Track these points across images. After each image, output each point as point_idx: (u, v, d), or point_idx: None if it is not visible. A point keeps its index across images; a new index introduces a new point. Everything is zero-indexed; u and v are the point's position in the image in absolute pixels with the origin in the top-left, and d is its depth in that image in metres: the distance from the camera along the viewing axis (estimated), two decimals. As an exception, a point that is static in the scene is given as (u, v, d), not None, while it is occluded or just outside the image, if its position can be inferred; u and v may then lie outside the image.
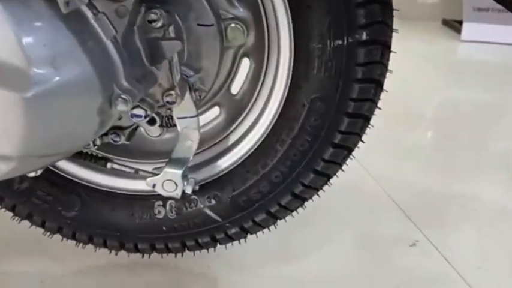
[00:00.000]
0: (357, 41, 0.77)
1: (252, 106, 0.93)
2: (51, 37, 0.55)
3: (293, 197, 0.90)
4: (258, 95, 0.92)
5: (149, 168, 0.94)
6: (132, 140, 0.92)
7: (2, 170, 0.58)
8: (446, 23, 3.70)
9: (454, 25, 3.54)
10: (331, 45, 0.78)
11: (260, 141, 0.89)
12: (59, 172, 0.94)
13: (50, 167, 0.92)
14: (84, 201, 0.94)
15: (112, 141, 0.83)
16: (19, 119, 0.53)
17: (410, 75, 2.46)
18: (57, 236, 0.99)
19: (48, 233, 1.00)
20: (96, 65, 0.60)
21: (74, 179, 0.94)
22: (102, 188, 0.95)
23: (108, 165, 0.90)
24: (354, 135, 0.86)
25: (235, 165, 0.91)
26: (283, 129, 0.86)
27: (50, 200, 0.94)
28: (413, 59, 2.83)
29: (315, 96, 0.82)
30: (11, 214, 0.98)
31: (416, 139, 1.87)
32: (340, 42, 0.77)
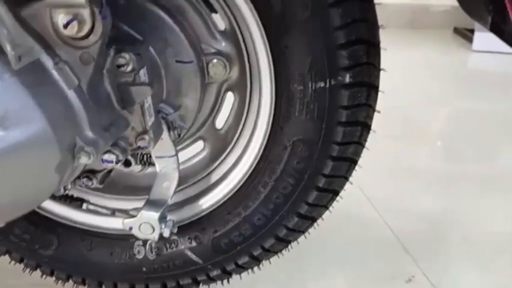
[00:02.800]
0: (340, 84, 0.73)
1: (236, 143, 0.90)
2: (1, 95, 0.52)
3: (277, 240, 0.86)
4: (241, 131, 0.89)
5: (131, 204, 0.91)
6: (113, 175, 0.89)
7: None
8: (457, 31, 3.62)
9: (466, 34, 3.45)
10: (313, 87, 0.74)
11: (242, 182, 0.86)
12: (36, 210, 0.91)
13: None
14: (62, 240, 0.92)
15: (84, 186, 0.80)
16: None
17: (419, 86, 2.40)
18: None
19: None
20: (54, 120, 0.57)
21: (51, 216, 0.91)
22: (79, 226, 0.92)
23: (84, 205, 0.86)
24: (340, 178, 0.82)
25: (216, 206, 0.88)
26: (266, 171, 0.83)
27: (27, 239, 0.91)
28: (423, 68, 2.76)
29: (297, 139, 0.78)
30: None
31: (420, 158, 1.81)
32: (322, 84, 0.73)
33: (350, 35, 0.70)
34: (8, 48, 0.52)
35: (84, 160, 0.62)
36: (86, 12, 0.59)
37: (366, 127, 0.79)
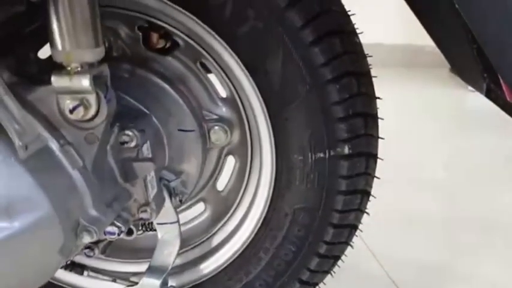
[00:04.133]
0: (340, 155, 0.74)
1: (238, 206, 0.90)
2: (6, 184, 0.53)
3: (279, 305, 0.86)
4: (243, 194, 0.89)
5: (133, 268, 0.91)
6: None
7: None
8: (454, 70, 3.67)
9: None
10: (313, 157, 0.75)
11: (243, 247, 0.86)
12: (38, 274, 0.91)
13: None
14: (64, 305, 0.91)
15: (86, 256, 0.80)
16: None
17: (416, 126, 2.40)
18: None
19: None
20: (59, 203, 0.58)
21: (54, 282, 0.91)
22: (82, 291, 0.91)
23: (85, 273, 0.86)
24: (341, 244, 0.82)
25: (217, 271, 0.88)
26: (267, 237, 0.83)
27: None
28: (419, 108, 2.78)
29: (298, 207, 0.79)
30: None
31: (421, 207, 1.80)
32: (321, 155, 0.75)
33: (348, 109, 0.72)
34: (15, 138, 0.54)
35: (86, 239, 0.62)
36: (91, 97, 0.61)
37: (366, 194, 0.80)
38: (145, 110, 0.78)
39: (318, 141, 0.74)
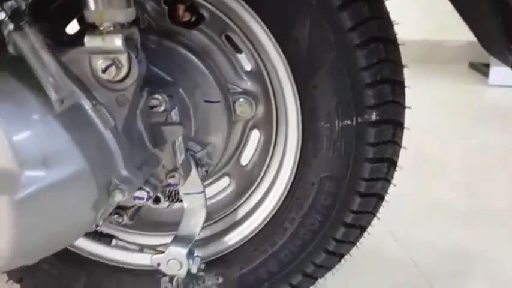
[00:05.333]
0: (367, 121, 0.74)
1: (262, 179, 0.91)
2: (43, 136, 0.54)
3: (304, 277, 0.86)
4: (267, 167, 0.90)
5: (158, 240, 0.92)
6: (141, 211, 0.90)
7: (-5, 267, 0.57)
8: (473, 66, 3.62)
9: (481, 69, 3.45)
10: (340, 125, 0.75)
11: (269, 218, 0.86)
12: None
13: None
14: (90, 276, 0.92)
15: (115, 222, 0.81)
16: (9, 222, 0.52)
17: (435, 122, 2.39)
18: None
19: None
20: (92, 159, 0.59)
21: (80, 252, 0.92)
22: (107, 263, 0.93)
23: (113, 242, 0.88)
24: (367, 213, 0.82)
25: (242, 242, 0.88)
26: (293, 207, 0.83)
27: (56, 275, 0.92)
28: (438, 104, 2.76)
29: (325, 175, 0.79)
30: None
31: (441, 194, 1.79)
32: (349, 122, 0.75)
33: (375, 75, 0.72)
34: (51, 93, 0.55)
35: (118, 198, 0.63)
36: (123, 57, 0.62)
37: (393, 164, 0.80)
38: (172, 81, 0.79)
39: (345, 108, 0.74)
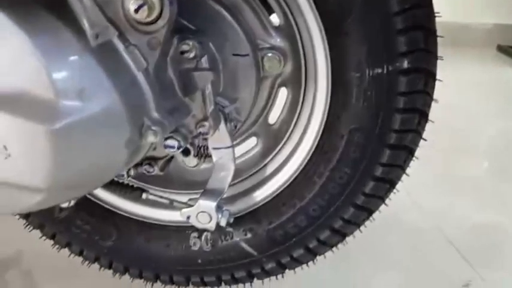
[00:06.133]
0: (398, 70, 0.73)
1: (289, 136, 0.90)
2: (79, 69, 0.55)
3: (332, 232, 0.86)
4: (295, 125, 0.90)
5: (185, 198, 0.93)
6: (170, 170, 0.91)
7: (31, 202, 0.58)
8: (501, 49, 3.54)
9: (510, 51, 3.38)
10: (370, 73, 0.74)
11: (297, 173, 0.86)
12: (97, 202, 0.94)
13: (88, 197, 0.93)
14: (121, 231, 0.94)
15: (146, 172, 0.82)
16: (47, 151, 0.53)
17: (463, 104, 2.35)
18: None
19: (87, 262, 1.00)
20: (126, 97, 0.60)
21: (111, 208, 0.94)
22: (138, 218, 0.94)
23: (144, 195, 0.89)
24: (397, 167, 0.81)
25: (271, 198, 0.88)
26: (321, 161, 0.83)
27: (88, 230, 0.94)
28: (466, 87, 2.71)
29: (354, 127, 0.78)
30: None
31: (469, 172, 1.76)
32: (379, 70, 0.74)
33: (408, 21, 0.71)
34: (87, 26, 0.56)
35: (151, 139, 0.64)
36: (155, -2, 0.62)
37: (424, 115, 0.78)
38: (201, 32, 0.80)
39: (376, 56, 0.73)
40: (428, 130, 0.81)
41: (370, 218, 0.87)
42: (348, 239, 0.89)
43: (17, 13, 0.52)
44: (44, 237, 0.99)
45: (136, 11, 0.62)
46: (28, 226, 0.98)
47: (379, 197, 0.83)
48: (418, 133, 0.79)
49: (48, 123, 0.52)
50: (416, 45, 0.72)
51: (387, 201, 0.85)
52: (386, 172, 0.80)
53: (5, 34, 0.52)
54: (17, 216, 0.97)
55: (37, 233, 0.99)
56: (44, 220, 0.96)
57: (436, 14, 0.76)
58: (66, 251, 0.99)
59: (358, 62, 0.75)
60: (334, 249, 0.91)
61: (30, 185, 0.56)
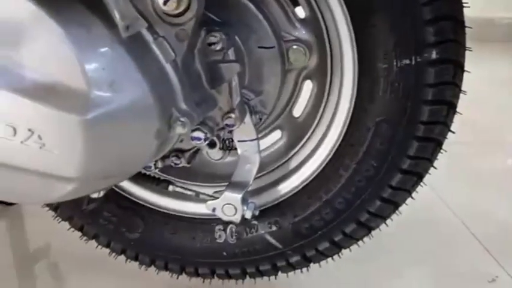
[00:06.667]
0: (427, 60, 0.72)
1: (315, 129, 0.90)
2: (110, 61, 0.56)
3: (358, 226, 0.85)
4: (320, 117, 0.89)
5: (210, 191, 0.94)
6: (195, 163, 0.92)
7: (63, 191, 0.59)
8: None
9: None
10: (398, 64, 0.74)
11: (323, 166, 0.86)
12: (124, 194, 0.96)
13: (116, 189, 0.94)
14: (147, 224, 0.95)
15: (173, 164, 0.83)
16: (78, 141, 0.54)
17: (487, 100, 2.31)
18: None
19: (114, 254, 1.01)
20: (155, 89, 0.61)
21: (138, 201, 0.96)
22: (164, 211, 0.95)
23: (170, 187, 0.90)
24: (425, 160, 0.80)
25: (296, 191, 0.88)
26: (347, 154, 0.83)
27: (115, 222, 0.96)
28: (490, 82, 2.66)
29: (381, 119, 0.78)
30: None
31: (495, 166, 1.73)
32: (407, 61, 0.73)
33: (437, 11, 0.70)
34: (118, 18, 0.57)
35: (179, 130, 0.65)
36: (183, -11, 0.63)
37: (452, 107, 0.77)
38: (227, 25, 0.80)
39: (404, 47, 0.72)
40: (456, 122, 0.80)
41: (396, 212, 0.87)
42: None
43: (51, 5, 0.53)
44: (71, 229, 1.01)
45: (165, 2, 0.62)
46: (57, 218, 1.00)
47: (406, 190, 0.83)
48: (446, 125, 0.78)
49: (81, 113, 0.53)
50: (445, 35, 0.71)
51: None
52: (413, 165, 0.79)
53: (40, 26, 0.53)
54: (46, 208, 0.99)
55: (65, 225, 1.01)
56: (72, 212, 0.98)
57: (464, 4, 0.74)
58: (93, 242, 1.01)
59: (386, 53, 0.74)
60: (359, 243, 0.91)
61: (63, 175, 0.57)
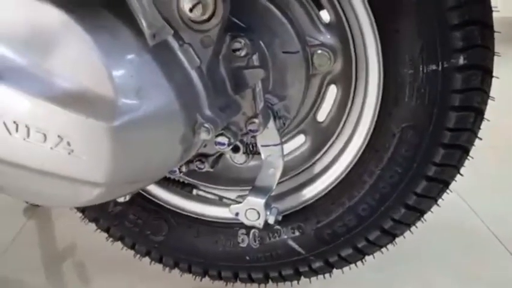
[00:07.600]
0: (454, 66, 0.71)
1: (339, 134, 0.90)
2: (137, 68, 0.57)
3: (382, 233, 0.85)
4: (345, 123, 0.89)
5: (234, 195, 0.94)
6: (219, 167, 0.92)
7: (90, 195, 0.61)
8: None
9: None
10: (424, 70, 0.73)
11: (346, 172, 0.85)
12: (149, 197, 0.97)
13: (141, 193, 0.96)
14: (171, 227, 0.96)
15: (197, 168, 0.84)
16: (106, 147, 0.55)
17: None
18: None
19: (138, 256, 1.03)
20: (180, 95, 0.61)
21: (163, 204, 0.97)
22: (188, 214, 0.96)
23: (194, 191, 0.91)
24: (451, 167, 0.79)
25: (319, 196, 0.88)
26: (372, 160, 0.82)
27: (140, 224, 0.97)
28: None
29: (407, 125, 0.77)
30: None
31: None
32: (434, 67, 0.72)
33: (464, 16, 0.69)
34: (145, 26, 0.58)
35: (203, 136, 0.65)
36: (209, -4, 0.63)
37: (480, 114, 0.76)
38: (252, 30, 0.80)
39: (430, 53, 0.72)
40: (484, 128, 0.78)
41: (422, 219, 0.86)
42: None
43: (79, 13, 0.54)
44: (98, 231, 1.03)
45: (191, 9, 0.63)
46: (83, 220, 1.02)
47: (432, 198, 0.82)
48: (473, 132, 0.77)
49: (109, 120, 0.54)
50: (473, 41, 0.70)
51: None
52: (439, 172, 0.78)
53: (68, 34, 0.54)
54: (74, 210, 1.01)
55: (92, 226, 1.03)
56: (99, 214, 0.99)
57: (493, 9, 0.73)
58: (119, 244, 1.02)
59: (412, 58, 0.73)
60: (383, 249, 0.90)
61: (91, 180, 0.58)
